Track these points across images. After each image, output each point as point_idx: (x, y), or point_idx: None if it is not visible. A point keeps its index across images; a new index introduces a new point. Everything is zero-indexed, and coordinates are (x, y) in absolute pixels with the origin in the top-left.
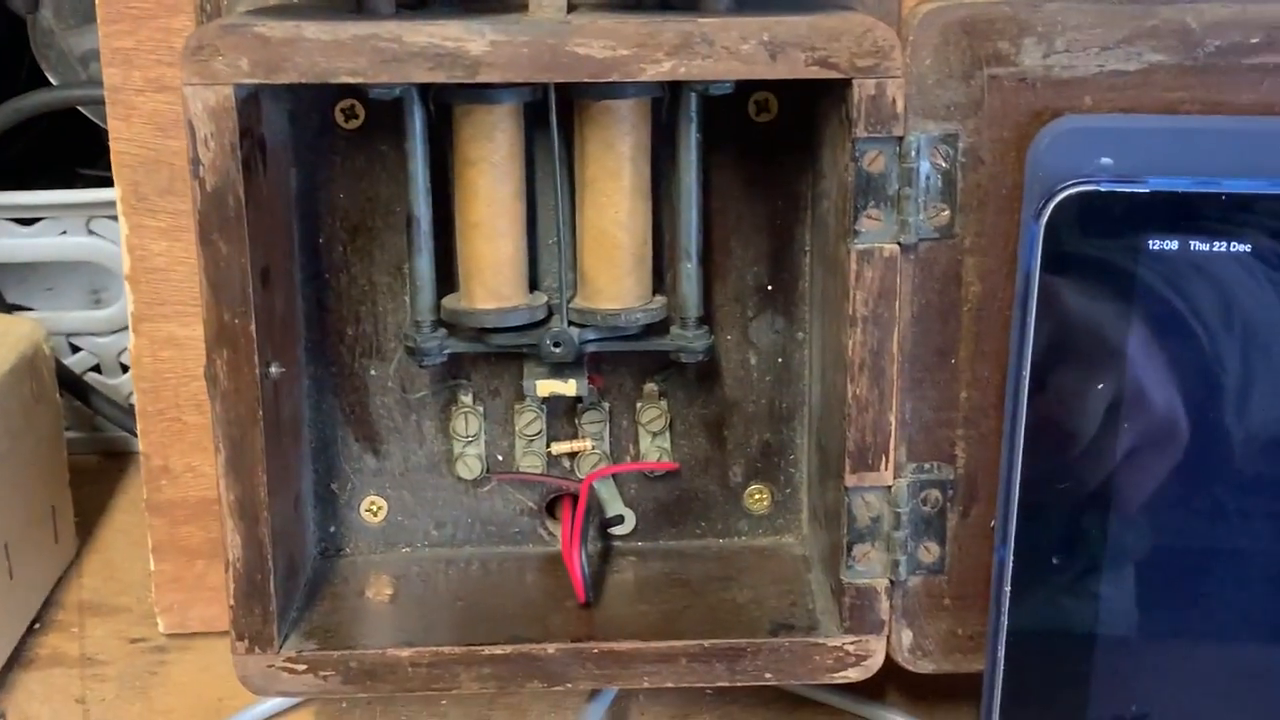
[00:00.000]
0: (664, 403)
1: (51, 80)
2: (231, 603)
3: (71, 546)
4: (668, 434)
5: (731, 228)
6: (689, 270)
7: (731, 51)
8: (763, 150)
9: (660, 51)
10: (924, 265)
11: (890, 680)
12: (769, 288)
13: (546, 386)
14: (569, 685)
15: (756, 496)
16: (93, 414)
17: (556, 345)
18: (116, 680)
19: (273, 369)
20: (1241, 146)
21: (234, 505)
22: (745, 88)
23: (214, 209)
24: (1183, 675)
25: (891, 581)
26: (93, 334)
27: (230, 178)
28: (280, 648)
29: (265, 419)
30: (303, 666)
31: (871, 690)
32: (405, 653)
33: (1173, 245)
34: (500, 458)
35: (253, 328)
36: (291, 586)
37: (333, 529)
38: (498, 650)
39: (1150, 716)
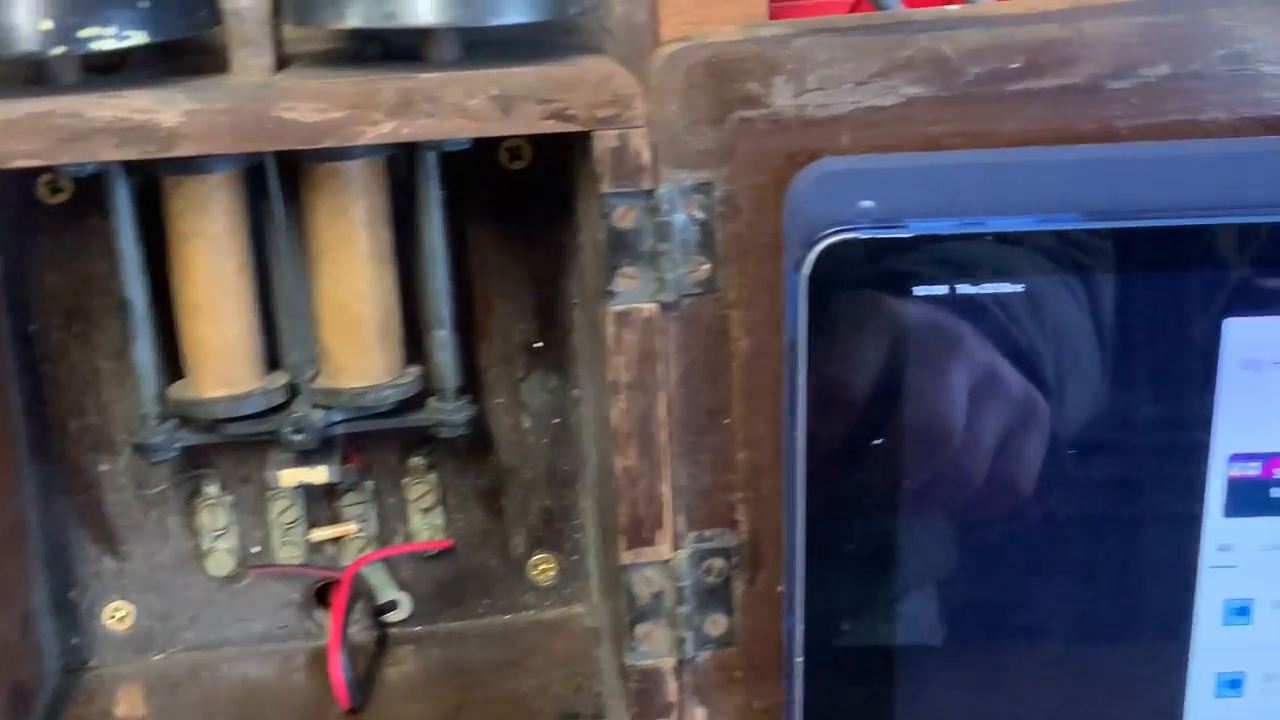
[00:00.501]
0: (433, 476)
1: None
2: None
3: None
4: (440, 509)
5: (493, 284)
6: (442, 338)
7: (459, 108)
8: (520, 199)
9: (379, 112)
10: (688, 323)
11: None
12: (539, 345)
13: (293, 476)
14: None
15: (541, 567)
16: None
17: (298, 432)
18: None
19: None
20: (1006, 180)
21: None
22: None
23: None
24: (991, 709)
25: (680, 661)
26: None
27: None
28: None
29: None
30: None
31: None
32: None
33: (941, 289)
34: (257, 549)
35: None
36: (23, 714)
37: (75, 641)
38: None
39: None
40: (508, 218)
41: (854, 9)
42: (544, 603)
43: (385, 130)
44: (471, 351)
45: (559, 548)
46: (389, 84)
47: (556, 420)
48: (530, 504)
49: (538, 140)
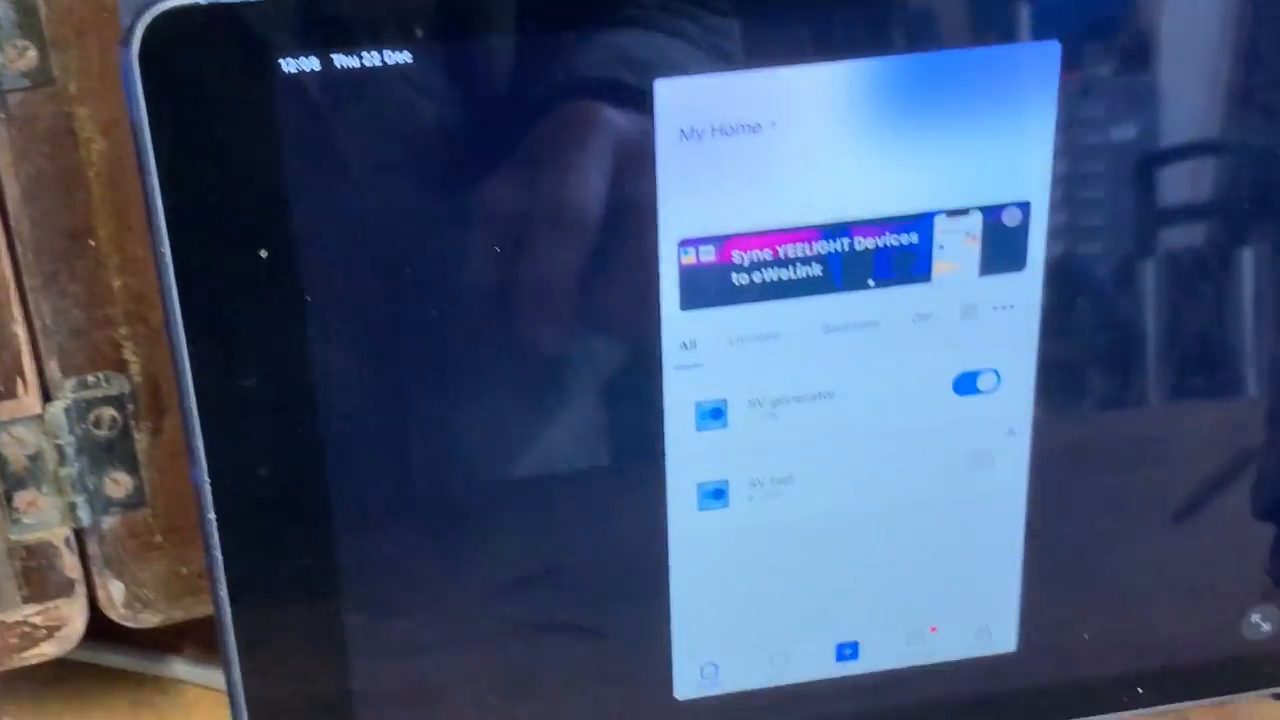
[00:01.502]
0: None
1: None
2: None
3: None
4: None
5: None
6: None
7: None
8: None
9: None
10: (22, 125)
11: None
12: None
13: None
14: None
15: None
16: None
17: None
18: None
19: None
20: None
21: None
22: None
23: None
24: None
25: (76, 530)
26: None
27: None
28: None
29: None
30: None
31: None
32: None
33: (313, 63)
34: None
35: None
36: None
37: None
38: None
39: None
40: None
41: None
42: None
43: None
44: None
45: None
46: None
47: None
48: None
49: None
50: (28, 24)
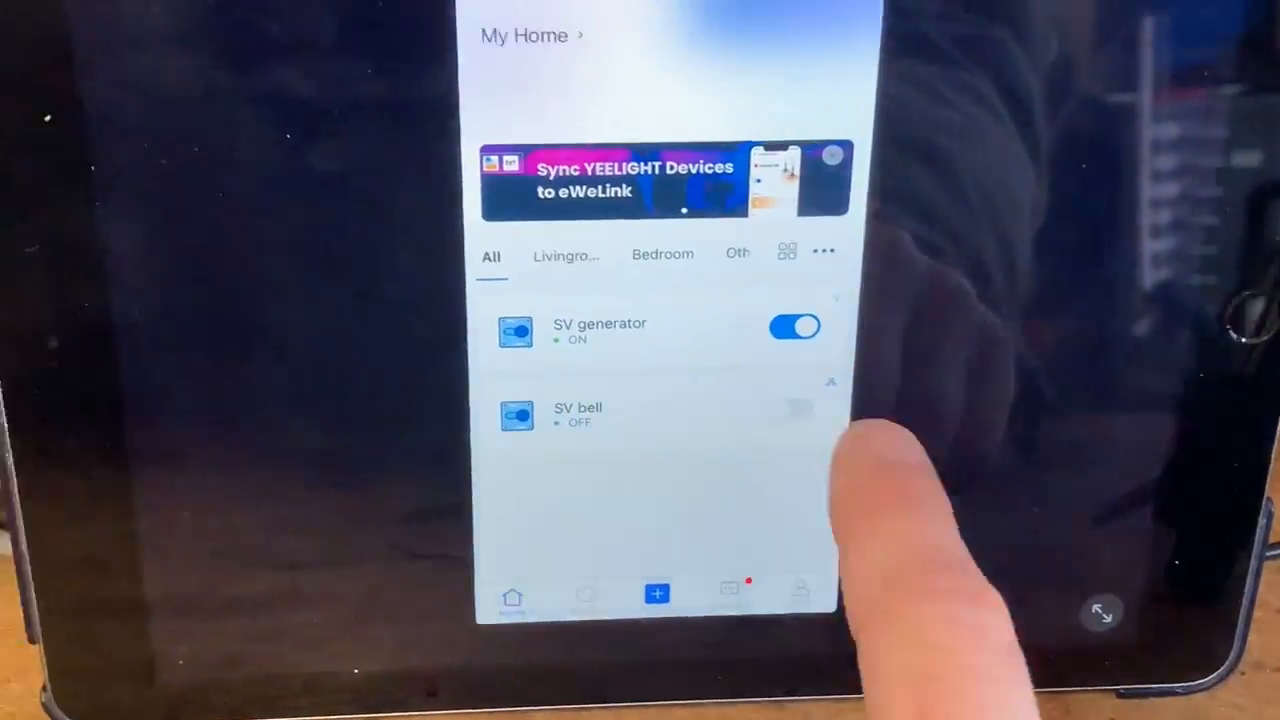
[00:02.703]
0: None
1: None
2: None
3: None
4: None
5: None
6: None
7: None
8: None
9: None
10: None
11: None
12: None
13: None
14: None
15: None
16: None
17: None
18: None
19: None
20: None
21: None
22: None
23: None
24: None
25: None
26: None
27: None
28: None
29: None
30: None
31: None
32: None
33: None
34: None
35: None
36: None
37: None
38: None
39: (183, 493)
40: None
41: None
42: None
43: None
44: None
45: None
46: None
47: None
48: None
49: None
50: None
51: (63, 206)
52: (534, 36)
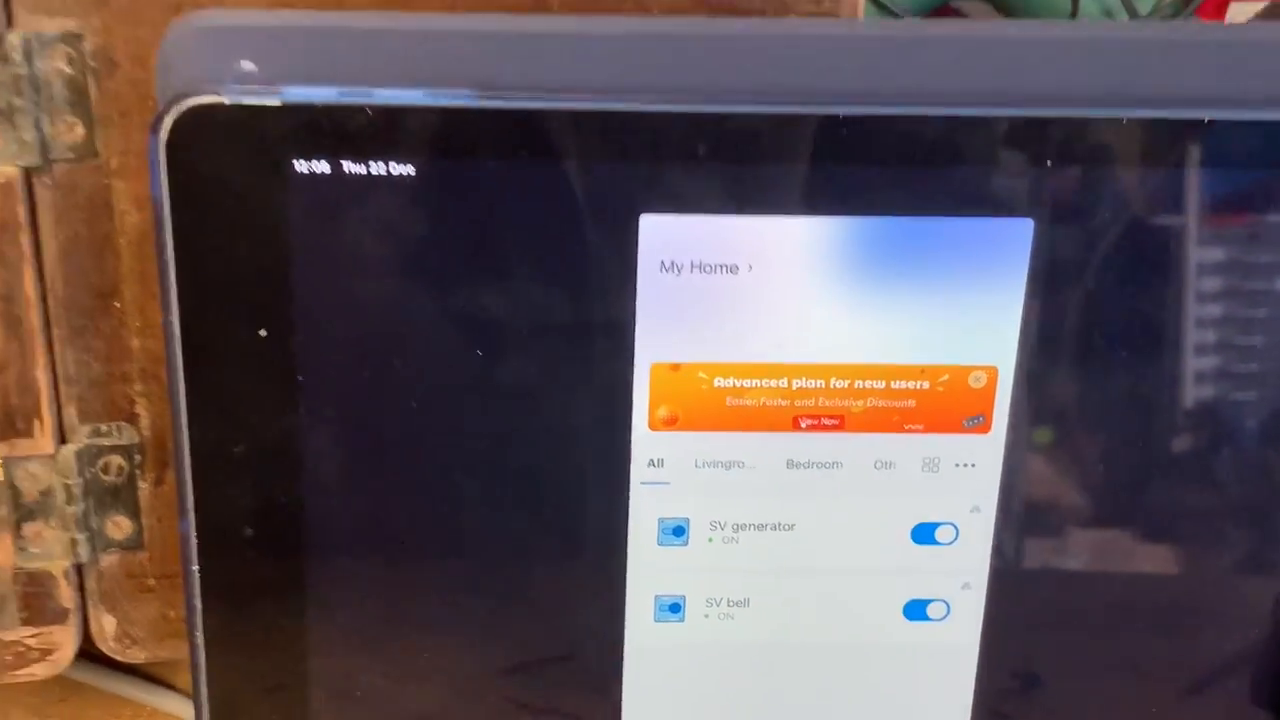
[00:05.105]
0: None
1: None
2: None
3: None
4: None
5: None
6: None
7: None
8: None
9: None
10: (65, 191)
11: None
12: None
13: None
14: None
15: None
16: None
17: None
18: None
19: None
20: (402, 47)
21: None
22: None
23: None
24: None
25: (76, 565)
26: None
27: None
28: None
29: None
30: None
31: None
32: None
33: (324, 167)
34: None
35: None
36: None
37: None
38: None
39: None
40: None
41: None
42: None
43: None
44: None
45: None
46: None
47: None
48: None
49: None
50: (78, 102)
51: (269, 412)
52: (708, 269)
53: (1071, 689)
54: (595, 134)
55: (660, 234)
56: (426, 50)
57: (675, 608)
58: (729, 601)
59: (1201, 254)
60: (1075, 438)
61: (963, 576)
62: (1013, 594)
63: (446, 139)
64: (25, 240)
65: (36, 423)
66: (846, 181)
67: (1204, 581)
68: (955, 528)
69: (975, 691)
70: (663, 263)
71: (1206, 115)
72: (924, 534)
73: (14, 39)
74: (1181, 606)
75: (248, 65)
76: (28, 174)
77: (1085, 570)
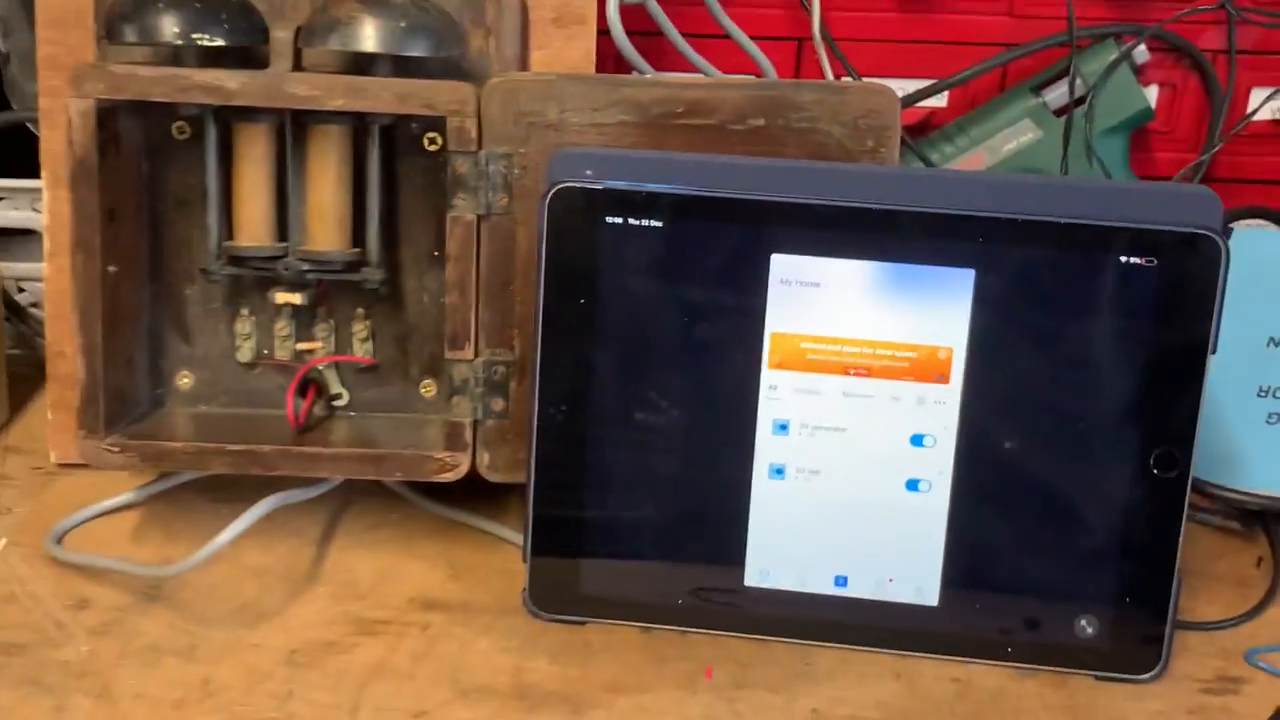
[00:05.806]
0: (369, 321)
1: (14, 107)
2: (78, 406)
3: (4, 414)
4: (370, 342)
5: (414, 214)
6: (372, 232)
7: (376, 97)
8: (433, 167)
9: (338, 95)
10: (493, 230)
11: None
12: (435, 253)
13: (282, 297)
14: (277, 471)
15: (426, 385)
16: (31, 334)
17: (286, 269)
18: (20, 489)
19: (111, 268)
20: (666, 165)
21: (80, 348)
22: (422, 126)
23: (79, 169)
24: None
25: (475, 421)
26: (34, 279)
27: (89, 151)
28: (105, 437)
29: (104, 298)
30: (117, 449)
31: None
32: (178, 445)
33: (619, 220)
34: (266, 351)
35: (98, 241)
36: (122, 410)
37: (159, 390)
38: (232, 447)
39: (629, 499)
40: (424, 176)
41: None
42: (429, 410)
43: (340, 103)
44: (395, 251)
45: (438, 376)
46: (345, 80)
47: (443, 299)
48: (424, 347)
49: (444, 129)
50: (507, 187)
51: (577, 354)
52: (804, 283)
53: (1004, 532)
54: (750, 210)
55: (780, 265)
56: (668, 166)
57: (780, 471)
58: (809, 470)
59: (1061, 295)
60: (1001, 388)
61: (939, 466)
62: (969, 478)
63: (677, 209)
64: (475, 251)
65: (467, 344)
66: (879, 241)
67: (1074, 461)
68: (935, 438)
69: (946, 534)
70: (782, 279)
71: (1061, 219)
72: (917, 440)
73: (482, 155)
74: (1067, 480)
75: (588, 172)
76: (479, 219)
77: (1010, 462)
